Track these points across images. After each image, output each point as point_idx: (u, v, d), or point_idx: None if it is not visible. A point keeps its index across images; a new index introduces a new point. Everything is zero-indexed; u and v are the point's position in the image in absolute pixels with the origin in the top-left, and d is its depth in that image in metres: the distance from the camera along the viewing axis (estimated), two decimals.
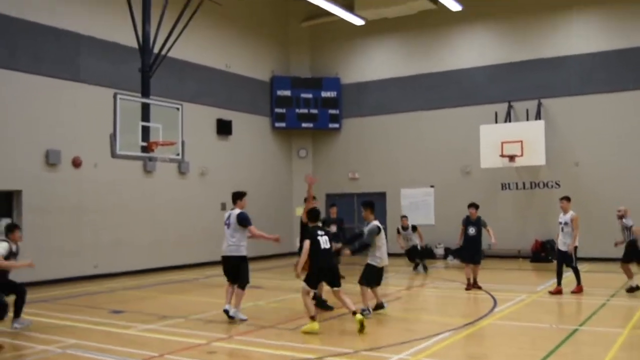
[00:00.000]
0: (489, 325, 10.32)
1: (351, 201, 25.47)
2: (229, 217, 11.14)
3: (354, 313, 9.67)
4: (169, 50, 14.47)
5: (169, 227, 20.04)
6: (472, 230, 14.56)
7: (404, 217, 19.06)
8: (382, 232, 11.29)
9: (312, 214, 10.65)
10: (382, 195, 24.75)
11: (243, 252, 10.94)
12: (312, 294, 10.19)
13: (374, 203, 11.39)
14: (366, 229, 11.34)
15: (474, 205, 14.84)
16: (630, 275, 13.63)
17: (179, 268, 19.96)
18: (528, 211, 21.90)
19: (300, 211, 26.92)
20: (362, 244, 11.32)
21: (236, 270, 10.91)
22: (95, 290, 15.35)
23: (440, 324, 10.64)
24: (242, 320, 10.69)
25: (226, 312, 10.75)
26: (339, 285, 10.12)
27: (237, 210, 11.13)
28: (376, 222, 11.21)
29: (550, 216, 21.32)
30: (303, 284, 9.99)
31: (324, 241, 10.12)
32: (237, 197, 11.37)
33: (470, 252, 14.61)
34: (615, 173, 20.56)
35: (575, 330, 9.68)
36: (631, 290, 13.35)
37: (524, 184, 22.11)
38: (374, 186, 24.85)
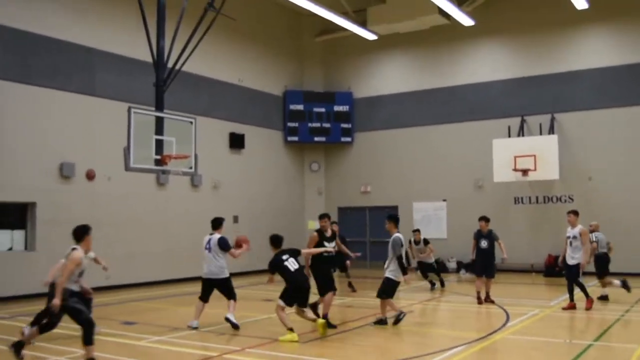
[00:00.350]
0: (501, 339, 10.25)
1: (363, 215, 25.49)
2: (209, 242, 11.77)
3: (317, 317, 10.59)
4: (183, 64, 14.60)
5: (181, 239, 20.08)
6: (484, 244, 14.51)
7: (416, 230, 18.99)
8: (403, 245, 11.36)
9: (273, 240, 10.99)
10: (394, 209, 24.68)
11: (227, 273, 11.69)
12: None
13: (398, 217, 11.37)
14: (390, 242, 11.47)
15: (484, 219, 14.82)
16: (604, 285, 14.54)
17: (191, 280, 19.94)
18: (541, 225, 21.79)
19: (313, 224, 26.99)
20: (400, 258, 11.41)
21: (227, 289, 11.59)
22: (107, 302, 15.38)
23: (453, 338, 10.59)
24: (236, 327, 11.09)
25: (192, 327, 11.31)
26: (305, 305, 10.69)
27: (217, 235, 11.75)
28: (399, 235, 11.26)
29: (564, 231, 21.24)
30: (278, 301, 10.29)
31: (291, 263, 10.50)
32: (218, 223, 12.07)
33: (483, 265, 14.53)
34: (628, 187, 20.45)
35: (589, 345, 9.60)
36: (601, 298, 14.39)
37: (537, 198, 22.03)
38: (386, 200, 24.84)
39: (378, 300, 11.54)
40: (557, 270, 20.55)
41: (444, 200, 23.60)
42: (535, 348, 9.61)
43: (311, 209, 25.94)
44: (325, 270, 11.62)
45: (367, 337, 10.64)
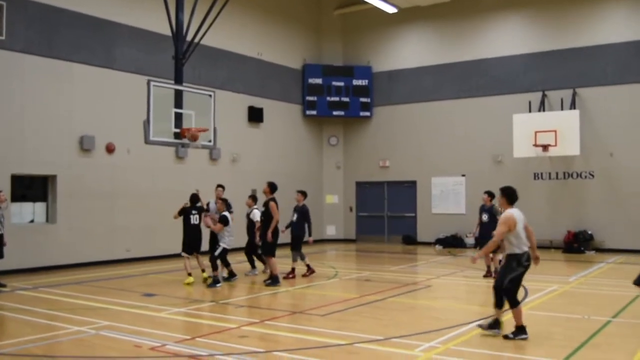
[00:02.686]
0: None
1: (381, 189, 25.46)
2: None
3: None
4: (202, 38, 14.58)
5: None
6: (484, 217, 14.58)
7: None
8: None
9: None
10: (412, 184, 24.68)
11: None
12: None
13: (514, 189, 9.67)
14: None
15: (487, 193, 14.79)
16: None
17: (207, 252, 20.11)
18: (561, 202, 21.65)
19: (331, 199, 26.92)
20: None
21: None
22: (127, 274, 15.57)
23: (471, 312, 10.61)
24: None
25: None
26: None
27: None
28: (513, 210, 9.48)
29: (584, 207, 21.14)
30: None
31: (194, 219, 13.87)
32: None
33: (485, 239, 14.57)
34: None
35: (608, 322, 9.57)
36: None
37: (557, 174, 21.84)
38: (404, 174, 24.78)
39: (394, 275, 11.50)
40: (575, 246, 20.50)
41: (463, 175, 23.48)
42: (554, 324, 9.60)
43: (329, 183, 25.97)
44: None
45: (385, 310, 10.68)
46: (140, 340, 8.27)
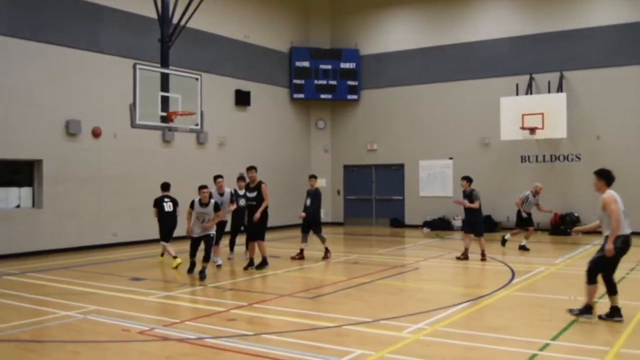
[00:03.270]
0: (507, 296, 10.31)
1: (369, 172, 25.49)
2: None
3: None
4: (188, 20, 14.45)
5: (187, 196, 20.07)
6: (466, 203, 14.75)
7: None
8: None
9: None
10: (400, 167, 24.72)
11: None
12: None
13: (610, 171, 8.97)
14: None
15: (465, 178, 14.95)
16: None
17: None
18: (547, 184, 21.65)
19: (320, 182, 27.08)
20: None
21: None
22: (115, 258, 15.53)
23: (458, 294, 10.68)
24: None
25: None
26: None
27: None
28: (612, 191, 9.01)
29: (571, 189, 21.26)
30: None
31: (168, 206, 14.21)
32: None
33: (467, 223, 14.97)
34: (637, 146, 20.33)
35: (594, 302, 9.64)
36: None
37: (544, 156, 21.94)
38: (392, 158, 24.81)
39: (382, 258, 11.52)
40: (562, 228, 20.65)
41: (451, 158, 23.52)
42: (541, 305, 9.68)
43: (317, 166, 25.94)
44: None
45: (373, 293, 10.71)
46: (129, 324, 8.26)
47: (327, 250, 15.10)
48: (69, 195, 16.90)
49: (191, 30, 17.69)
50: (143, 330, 7.97)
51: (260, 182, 13.51)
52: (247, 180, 13.78)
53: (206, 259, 12.25)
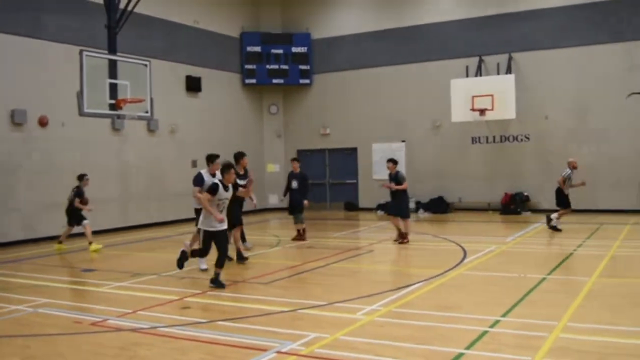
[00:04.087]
0: (459, 275, 10.49)
1: (322, 157, 25.54)
2: None
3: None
4: (135, 5, 14.21)
5: (139, 185, 19.93)
6: (392, 184, 14.65)
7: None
8: None
9: None
10: (353, 151, 24.82)
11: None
12: None
13: None
14: None
15: (390, 160, 14.96)
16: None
17: (150, 226, 19.92)
18: (498, 164, 22.12)
19: (272, 167, 26.87)
20: None
21: None
22: (66, 250, 15.25)
23: (412, 275, 10.82)
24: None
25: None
26: None
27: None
28: None
29: (520, 169, 21.68)
30: None
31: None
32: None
33: (392, 205, 14.97)
34: (582, 126, 20.81)
35: (543, 279, 9.89)
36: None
37: (494, 137, 22.29)
38: (345, 142, 24.90)
39: (336, 241, 11.57)
40: (512, 208, 21.06)
41: (403, 141, 23.70)
42: (492, 283, 9.87)
43: (270, 151, 25.89)
44: None
45: (328, 276, 10.78)
46: (81, 316, 8.15)
47: (304, 232, 15.45)
48: (16, 187, 16.52)
49: (139, 16, 17.39)
50: (96, 321, 7.87)
51: (246, 170, 13.17)
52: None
53: (221, 264, 9.93)
